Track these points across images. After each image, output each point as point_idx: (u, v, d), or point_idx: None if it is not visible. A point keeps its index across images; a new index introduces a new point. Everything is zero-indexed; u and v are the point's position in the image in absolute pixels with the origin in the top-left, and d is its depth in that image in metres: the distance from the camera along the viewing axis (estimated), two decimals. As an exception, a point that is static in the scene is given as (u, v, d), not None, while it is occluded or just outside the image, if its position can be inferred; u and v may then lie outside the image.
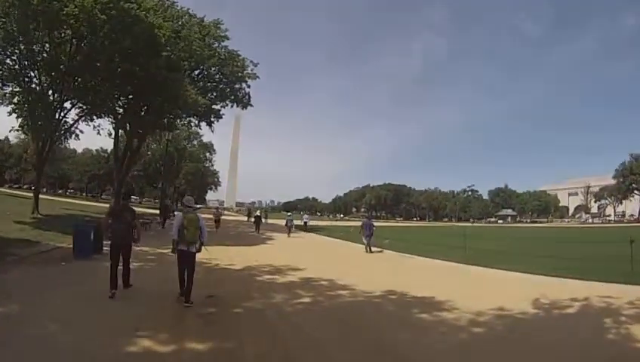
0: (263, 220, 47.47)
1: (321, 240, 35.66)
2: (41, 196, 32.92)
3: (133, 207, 11.76)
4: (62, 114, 32.42)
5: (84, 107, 33.34)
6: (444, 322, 8.73)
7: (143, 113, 35.37)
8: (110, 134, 38.04)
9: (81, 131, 37.81)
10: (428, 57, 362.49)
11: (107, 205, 42.19)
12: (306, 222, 50.34)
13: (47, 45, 29.71)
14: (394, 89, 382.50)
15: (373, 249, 24.83)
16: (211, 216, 37.47)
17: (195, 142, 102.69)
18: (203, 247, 10.17)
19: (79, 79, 30.27)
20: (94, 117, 35.73)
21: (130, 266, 10.77)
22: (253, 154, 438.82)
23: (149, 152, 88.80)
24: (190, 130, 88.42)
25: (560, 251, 23.70)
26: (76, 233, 15.66)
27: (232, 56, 47.32)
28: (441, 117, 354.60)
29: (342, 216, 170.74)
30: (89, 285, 10.96)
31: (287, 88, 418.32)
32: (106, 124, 38.46)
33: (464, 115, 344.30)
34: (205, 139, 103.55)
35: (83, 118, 35.39)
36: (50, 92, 30.96)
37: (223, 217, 41.84)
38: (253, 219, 47.03)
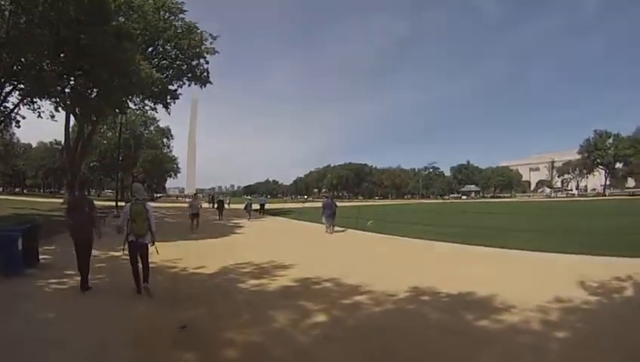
0: (226, 205, 45.95)
1: (293, 225, 32.72)
2: None
3: (91, 199, 11.06)
4: (0, 96, 28.46)
5: (25, 88, 29.07)
6: (517, 329, 6.94)
7: (91, 93, 31.34)
8: (53, 116, 33.82)
9: (23, 117, 33.59)
10: (388, 38, 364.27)
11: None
12: (262, 204, 49.09)
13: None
14: (352, 69, 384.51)
15: (335, 229, 25.03)
16: (181, 206, 34.53)
17: (152, 128, 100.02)
18: (155, 246, 9.64)
19: (17, 54, 26.29)
20: (37, 99, 31.65)
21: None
22: (212, 139, 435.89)
23: (104, 141, 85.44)
24: (146, 116, 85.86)
25: (561, 225, 24.44)
26: None
27: (190, 29, 44.00)
28: (400, 96, 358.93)
29: (306, 197, 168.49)
30: (15, 320, 7.67)
31: (245, 71, 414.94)
32: (49, 106, 34.16)
33: (424, 94, 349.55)
34: (162, 125, 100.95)
35: (24, 102, 31.19)
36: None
37: (183, 205, 38.24)
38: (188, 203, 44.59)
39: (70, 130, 48.33)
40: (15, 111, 31.59)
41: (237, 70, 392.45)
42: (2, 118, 30.88)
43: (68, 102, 33.44)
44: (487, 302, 8.46)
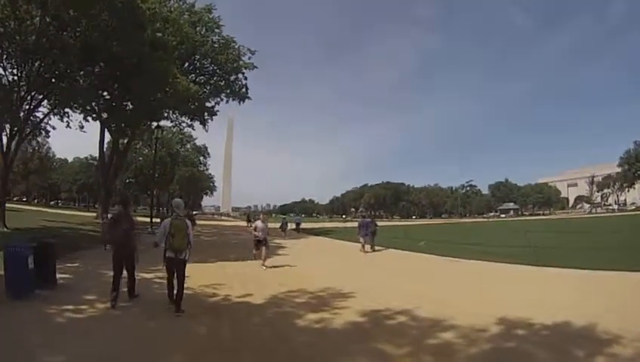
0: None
1: (337, 246, 30.49)
2: (28, 207, 28.71)
3: (133, 217, 10.52)
4: (31, 105, 27.20)
5: (55, 98, 27.73)
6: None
7: (125, 104, 29.93)
8: (82, 127, 32.60)
9: (53, 127, 32.35)
10: (422, 51, 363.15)
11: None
12: (298, 223, 48.30)
13: (10, 22, 24.38)
14: (390, 84, 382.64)
15: (376, 248, 24.55)
16: (218, 225, 32.91)
17: (189, 146, 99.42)
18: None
19: (47, 62, 24.99)
20: (68, 110, 30.38)
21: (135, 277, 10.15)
22: (247, 157, 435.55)
23: (140, 158, 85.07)
24: (182, 133, 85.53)
25: (626, 241, 23.18)
26: (6, 257, 9.61)
27: (227, 43, 42.57)
28: (436, 112, 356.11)
29: (344, 216, 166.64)
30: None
31: (280, 86, 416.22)
32: (78, 116, 32.94)
33: (459, 110, 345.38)
34: (199, 142, 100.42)
35: (55, 111, 29.88)
36: (15, 78, 25.78)
37: (220, 223, 36.21)
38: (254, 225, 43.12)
39: (105, 145, 47.22)
40: (45, 121, 30.41)
41: (272, 84, 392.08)
42: (31, 128, 29.65)
43: (100, 113, 32.14)
44: (589, 334, 7.23)
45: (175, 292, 8.98)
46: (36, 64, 25.01)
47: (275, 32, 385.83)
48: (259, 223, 18.63)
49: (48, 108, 29.39)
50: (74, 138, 55.91)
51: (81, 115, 32.58)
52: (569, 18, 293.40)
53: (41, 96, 27.29)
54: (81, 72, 26.48)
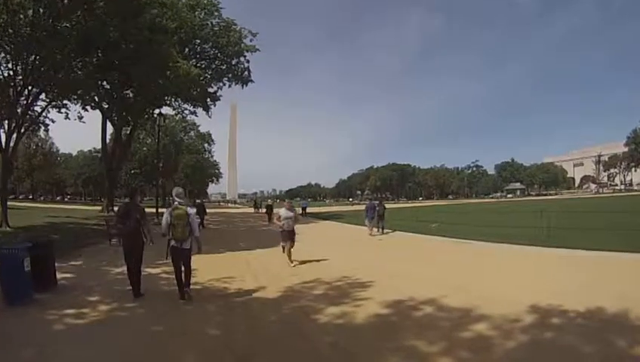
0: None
1: (348, 230, 29.45)
2: (34, 204, 27.88)
3: (142, 207, 10.39)
4: (29, 100, 26.44)
5: (52, 90, 26.92)
6: None
7: (125, 92, 29.12)
8: (81, 117, 31.86)
9: (52, 120, 31.54)
10: (424, 31, 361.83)
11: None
12: (304, 208, 48.01)
13: (3, 16, 23.50)
14: (392, 66, 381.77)
15: (385, 231, 24.69)
16: (225, 212, 32.34)
17: (192, 133, 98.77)
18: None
19: (43, 53, 24.15)
20: (66, 101, 29.59)
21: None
22: (252, 143, 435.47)
23: (144, 148, 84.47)
24: (186, 121, 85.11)
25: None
26: (0, 261, 8.63)
27: (228, 26, 41.61)
28: (439, 93, 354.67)
29: (351, 199, 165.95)
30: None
31: (282, 70, 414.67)
32: (78, 107, 32.22)
33: (463, 89, 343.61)
34: (202, 129, 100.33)
35: (53, 104, 29.09)
36: (11, 72, 24.97)
37: (227, 210, 35.52)
38: (263, 210, 45.45)
39: (109, 137, 46.56)
40: (43, 115, 29.67)
41: (275, 67, 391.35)
42: (29, 123, 28.88)
43: (99, 103, 31.35)
44: (626, 321, 6.79)
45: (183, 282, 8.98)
46: (32, 57, 24.20)
47: (276, 16, 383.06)
48: (282, 211, 14.90)
49: (46, 102, 28.58)
50: (78, 132, 55.52)
51: (80, 106, 31.87)
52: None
53: (38, 90, 26.47)
54: (79, 62, 25.63)
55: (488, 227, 24.36)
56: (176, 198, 9.23)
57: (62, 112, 30.35)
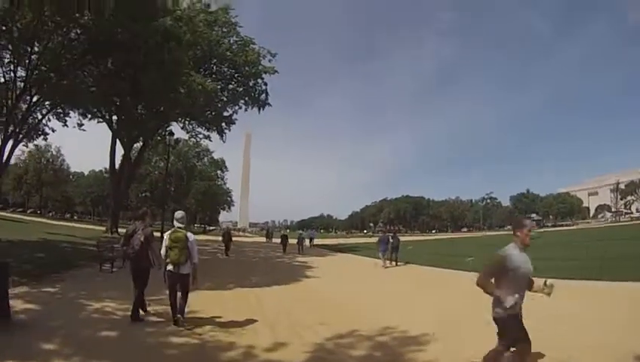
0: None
1: (369, 264, 26.15)
2: (40, 219, 26.20)
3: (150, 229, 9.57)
4: (30, 105, 24.46)
5: (55, 96, 24.75)
6: None
7: (134, 103, 26.80)
8: (81, 125, 29.82)
9: (52, 130, 29.41)
10: (435, 61, 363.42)
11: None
12: (311, 238, 45.99)
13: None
14: (406, 94, 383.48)
15: (396, 263, 24.23)
16: (236, 241, 30.73)
17: (206, 160, 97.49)
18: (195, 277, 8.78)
19: (49, 56, 22.07)
20: (69, 110, 27.59)
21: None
22: (264, 172, 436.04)
23: (156, 171, 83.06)
24: (200, 146, 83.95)
25: None
26: None
27: (245, 44, 39.60)
28: (452, 122, 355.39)
29: (365, 231, 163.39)
30: None
31: (296, 98, 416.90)
32: (79, 116, 30.43)
33: (476, 117, 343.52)
34: (216, 156, 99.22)
35: (53, 112, 26.99)
36: (12, 74, 23.00)
37: (237, 239, 33.60)
38: (276, 240, 44.10)
39: (121, 157, 44.42)
40: (43, 122, 27.59)
41: (287, 95, 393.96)
42: (26, 130, 26.74)
43: (106, 112, 29.13)
44: None
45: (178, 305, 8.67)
46: (34, 57, 22.16)
47: (290, 43, 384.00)
48: None
49: (47, 109, 26.43)
50: (92, 152, 53.38)
51: (81, 115, 29.90)
52: (585, 25, 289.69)
53: (39, 96, 24.44)
54: (85, 69, 23.45)
55: (534, 260, 21.57)
56: (176, 222, 8.90)
57: (62, 120, 28.35)
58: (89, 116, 33.57)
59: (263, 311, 10.53)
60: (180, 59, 24.53)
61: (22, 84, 23.32)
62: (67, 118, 29.02)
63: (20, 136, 25.69)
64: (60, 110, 27.48)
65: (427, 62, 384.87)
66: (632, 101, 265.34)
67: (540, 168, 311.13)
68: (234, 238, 34.22)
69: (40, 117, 27.03)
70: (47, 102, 25.92)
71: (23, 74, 23.28)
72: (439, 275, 19.52)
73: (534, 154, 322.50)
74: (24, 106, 24.24)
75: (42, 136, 30.39)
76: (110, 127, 38.93)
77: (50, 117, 27.82)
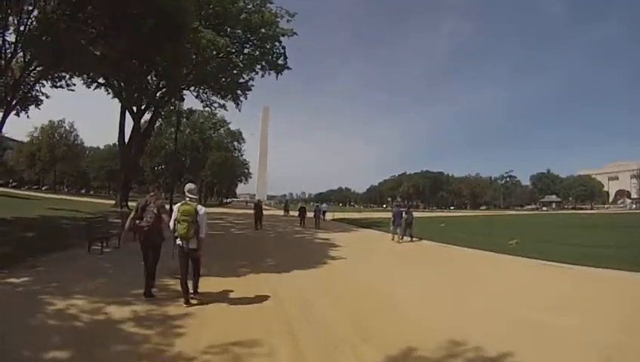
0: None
1: (398, 244, 23.07)
2: (53, 195, 24.37)
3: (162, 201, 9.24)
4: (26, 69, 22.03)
5: (48, 58, 22.14)
6: None
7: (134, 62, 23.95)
8: (68, 85, 27.29)
9: (47, 96, 26.91)
10: (460, 34, 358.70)
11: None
12: (324, 211, 43.76)
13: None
14: (424, 73, 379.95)
15: (412, 239, 23.83)
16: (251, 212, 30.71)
17: (222, 131, 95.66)
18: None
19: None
20: (66, 75, 25.12)
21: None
22: (282, 146, 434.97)
23: (171, 143, 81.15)
24: (215, 117, 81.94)
25: None
26: None
27: (262, 3, 36.80)
28: (470, 101, 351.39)
29: (385, 206, 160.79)
30: None
31: (315, 74, 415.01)
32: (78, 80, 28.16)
33: (494, 98, 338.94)
34: (233, 127, 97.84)
35: (49, 77, 24.45)
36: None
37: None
38: (295, 213, 41.52)
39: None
40: (36, 86, 25.09)
41: (305, 74, 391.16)
42: (20, 97, 24.32)
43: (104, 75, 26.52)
44: None
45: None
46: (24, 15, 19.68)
47: (306, 24, 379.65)
48: None
49: (40, 72, 23.82)
50: (110, 128, 51.30)
51: (81, 80, 27.45)
52: (608, 6, 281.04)
53: (29, 58, 21.96)
54: (76, 27, 20.78)
55: (573, 246, 19.82)
56: (187, 194, 8.47)
57: (58, 86, 25.83)
58: (93, 84, 31.58)
59: (282, 311, 7.99)
60: (185, 8, 21.61)
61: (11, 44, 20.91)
62: (65, 83, 26.44)
63: (14, 102, 23.35)
64: (55, 74, 24.87)
65: (444, 43, 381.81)
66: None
67: (561, 149, 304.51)
68: (250, 210, 32.52)
69: (33, 81, 24.37)
70: (39, 65, 23.26)
71: (13, 39, 20.93)
72: (481, 259, 16.88)
73: (556, 135, 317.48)
74: (17, 73, 21.76)
75: (34, 104, 27.59)
76: (118, 96, 37.01)
77: (45, 82, 25.26)
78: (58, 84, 25.94)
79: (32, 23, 20.64)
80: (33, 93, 25.99)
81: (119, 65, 22.31)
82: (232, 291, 9.22)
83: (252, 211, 31.01)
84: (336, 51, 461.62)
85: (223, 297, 8.76)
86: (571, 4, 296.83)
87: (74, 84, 27.79)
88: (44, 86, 25.75)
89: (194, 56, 28.67)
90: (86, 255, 13.49)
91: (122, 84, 31.84)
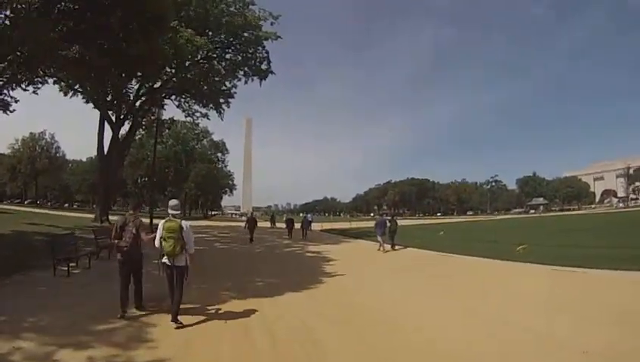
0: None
1: (396, 255, 21.91)
2: (33, 209, 23.44)
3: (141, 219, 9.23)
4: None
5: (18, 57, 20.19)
6: None
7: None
8: (35, 91, 25.14)
9: (15, 100, 24.90)
10: (441, 39, 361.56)
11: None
12: (310, 222, 40.77)
13: None
14: (407, 78, 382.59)
15: (394, 247, 23.44)
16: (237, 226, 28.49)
17: (205, 142, 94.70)
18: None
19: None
20: (34, 77, 23.34)
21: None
22: (266, 156, 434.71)
23: (152, 155, 79.65)
24: (198, 128, 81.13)
25: None
26: None
27: (244, 5, 35.47)
28: (453, 106, 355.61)
29: (372, 214, 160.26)
30: None
31: (298, 81, 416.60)
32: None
33: (478, 102, 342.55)
34: (216, 138, 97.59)
35: (20, 77, 22.55)
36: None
37: (240, 224, 30.07)
38: (282, 225, 42.22)
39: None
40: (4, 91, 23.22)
41: (288, 80, 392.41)
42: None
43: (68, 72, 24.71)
44: None
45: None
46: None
47: (289, 31, 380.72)
48: None
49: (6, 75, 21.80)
50: (90, 138, 49.79)
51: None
52: (590, 6, 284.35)
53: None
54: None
55: (583, 248, 18.84)
56: (170, 210, 8.33)
57: (27, 89, 24.00)
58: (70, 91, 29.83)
59: (277, 354, 6.32)
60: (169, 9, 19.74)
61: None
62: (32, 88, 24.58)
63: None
64: (24, 77, 22.95)
65: (427, 47, 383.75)
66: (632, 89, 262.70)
67: (547, 152, 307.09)
68: (236, 223, 31.14)
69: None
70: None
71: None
72: (493, 270, 15.31)
73: (539, 138, 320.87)
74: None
75: (3, 110, 25.42)
76: (93, 102, 35.78)
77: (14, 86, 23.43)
78: (26, 87, 24.02)
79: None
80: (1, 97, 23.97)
81: (90, 63, 20.10)
82: (207, 332, 7.46)
83: (236, 224, 29.71)
84: (318, 57, 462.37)
85: (203, 331, 7.24)
86: (551, 3, 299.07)
87: (37, 88, 25.86)
88: (13, 89, 23.82)
89: (172, 57, 26.97)
90: (50, 278, 11.87)
91: (93, 85, 29.92)
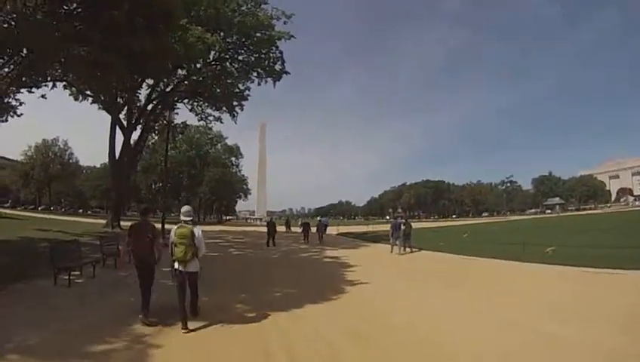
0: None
1: (422, 258, 21.16)
2: (46, 216, 23.41)
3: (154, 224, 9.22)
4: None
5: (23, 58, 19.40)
6: None
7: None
8: (43, 95, 24.53)
9: (21, 102, 24.20)
10: (456, 41, 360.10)
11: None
12: (325, 226, 39.53)
13: None
14: (419, 80, 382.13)
15: (412, 250, 23.70)
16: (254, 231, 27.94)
17: (219, 146, 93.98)
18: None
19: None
20: (40, 79, 22.59)
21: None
22: (280, 161, 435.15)
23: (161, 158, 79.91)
24: (212, 132, 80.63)
25: None
26: None
27: (257, 4, 34.75)
28: (470, 106, 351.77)
29: (388, 217, 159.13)
30: None
31: (310, 85, 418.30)
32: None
33: (490, 103, 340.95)
34: (230, 142, 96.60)
35: (25, 80, 21.81)
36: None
37: (255, 229, 29.13)
38: (297, 229, 42.76)
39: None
40: (9, 94, 22.51)
41: (300, 86, 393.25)
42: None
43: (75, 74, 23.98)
44: None
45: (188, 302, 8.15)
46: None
47: (300, 34, 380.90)
48: None
49: (10, 77, 20.96)
50: (103, 144, 49.32)
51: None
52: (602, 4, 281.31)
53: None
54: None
55: (604, 248, 17.86)
56: (182, 217, 8.39)
57: (33, 92, 23.28)
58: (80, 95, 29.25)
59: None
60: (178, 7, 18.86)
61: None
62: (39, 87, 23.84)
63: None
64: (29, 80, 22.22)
65: (438, 51, 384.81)
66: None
67: (559, 151, 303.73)
68: (251, 228, 30.34)
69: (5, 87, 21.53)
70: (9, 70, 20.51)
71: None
72: (531, 274, 14.25)
73: (554, 137, 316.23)
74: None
75: (10, 113, 24.76)
76: (102, 104, 35.57)
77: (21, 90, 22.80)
78: (33, 90, 23.31)
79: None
80: (7, 101, 23.31)
81: (95, 61, 19.13)
82: (227, 344, 6.56)
83: (252, 228, 29.05)
84: (330, 61, 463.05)
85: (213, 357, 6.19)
86: (563, 4, 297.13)
87: (44, 91, 25.18)
88: (19, 92, 23.20)
89: (183, 57, 26.15)
90: (51, 287, 11.06)
91: (100, 86, 29.19)
